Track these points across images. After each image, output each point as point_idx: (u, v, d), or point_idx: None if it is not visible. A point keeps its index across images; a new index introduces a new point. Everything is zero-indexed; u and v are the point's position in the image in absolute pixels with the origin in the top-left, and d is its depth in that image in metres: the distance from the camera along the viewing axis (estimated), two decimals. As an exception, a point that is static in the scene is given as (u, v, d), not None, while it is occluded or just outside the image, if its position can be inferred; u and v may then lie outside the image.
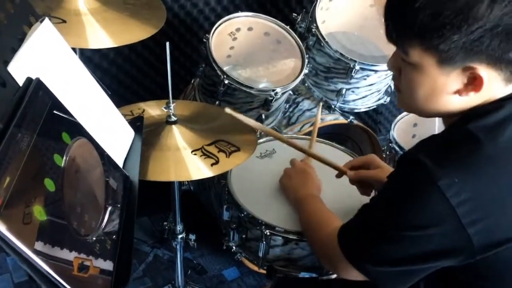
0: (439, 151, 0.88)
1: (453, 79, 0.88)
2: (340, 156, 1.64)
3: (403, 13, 0.86)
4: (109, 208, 0.93)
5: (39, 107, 0.81)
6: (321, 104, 1.79)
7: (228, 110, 1.39)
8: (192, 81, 1.88)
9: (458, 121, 0.93)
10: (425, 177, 0.85)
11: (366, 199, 1.41)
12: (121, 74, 2.06)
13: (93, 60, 1.96)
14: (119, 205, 0.97)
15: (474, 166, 0.85)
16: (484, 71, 0.85)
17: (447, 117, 0.96)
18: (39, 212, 0.71)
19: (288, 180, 1.41)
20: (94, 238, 0.84)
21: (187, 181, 2.02)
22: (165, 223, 1.65)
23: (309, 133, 1.76)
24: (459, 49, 0.83)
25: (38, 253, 0.68)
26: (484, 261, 0.87)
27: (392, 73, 1.86)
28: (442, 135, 0.94)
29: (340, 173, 1.37)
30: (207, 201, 1.99)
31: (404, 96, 0.98)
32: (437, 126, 1.94)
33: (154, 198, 1.72)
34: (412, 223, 0.88)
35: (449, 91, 0.90)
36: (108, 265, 0.85)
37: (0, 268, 1.96)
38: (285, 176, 1.43)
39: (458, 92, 0.89)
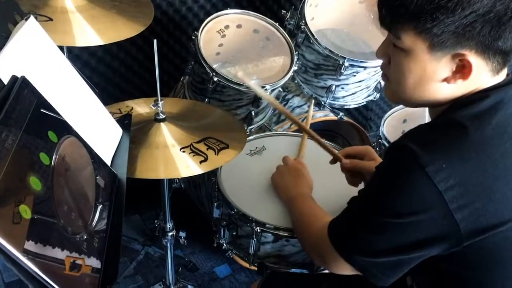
0: (427, 138, 0.90)
1: (443, 66, 0.90)
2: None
3: None
4: (100, 207, 0.93)
5: (24, 105, 0.81)
6: (312, 101, 1.77)
7: (240, 74, 1.38)
8: (181, 79, 1.88)
9: (444, 111, 0.94)
10: (413, 163, 0.86)
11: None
12: (110, 72, 2.05)
13: (81, 58, 1.94)
14: (107, 203, 0.97)
15: (462, 152, 0.86)
16: (473, 58, 0.87)
17: (434, 106, 0.98)
18: (24, 211, 0.70)
19: (280, 179, 1.41)
20: (85, 237, 0.84)
21: (178, 179, 2.02)
22: (156, 221, 1.64)
23: (299, 130, 1.76)
24: (451, 34, 0.85)
25: (28, 252, 0.68)
26: (470, 248, 0.88)
27: (379, 70, 1.87)
28: (429, 124, 0.96)
29: (335, 159, 1.36)
30: (198, 199, 1.99)
31: (392, 84, 0.99)
32: (426, 121, 1.95)
33: (145, 196, 1.71)
34: (400, 210, 0.88)
35: (438, 78, 0.91)
36: (96, 263, 0.84)
37: (-9, 268, 1.95)
38: (277, 173, 1.43)
39: (447, 79, 0.91)
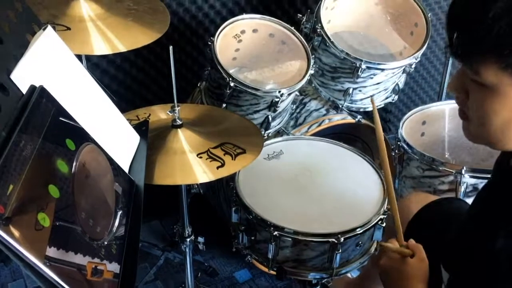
0: None
1: None
2: (348, 155, 1.64)
3: (474, 25, 0.72)
4: (119, 213, 0.94)
5: (42, 114, 0.82)
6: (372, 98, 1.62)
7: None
8: (198, 84, 1.89)
9: None
10: None
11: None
12: (129, 79, 2.07)
13: (100, 66, 1.97)
14: (126, 209, 0.98)
15: None
16: None
17: None
18: (42, 219, 0.71)
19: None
20: (106, 243, 0.85)
21: (196, 185, 2.03)
22: (175, 226, 1.65)
23: (316, 134, 1.76)
24: None
25: (50, 258, 0.69)
26: None
27: (397, 72, 1.86)
28: None
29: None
30: (217, 204, 1.99)
31: (473, 125, 0.81)
32: (446, 124, 1.92)
33: (165, 201, 1.72)
34: None
35: None
36: (115, 268, 0.85)
37: (14, 273, 1.98)
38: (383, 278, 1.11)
39: None
